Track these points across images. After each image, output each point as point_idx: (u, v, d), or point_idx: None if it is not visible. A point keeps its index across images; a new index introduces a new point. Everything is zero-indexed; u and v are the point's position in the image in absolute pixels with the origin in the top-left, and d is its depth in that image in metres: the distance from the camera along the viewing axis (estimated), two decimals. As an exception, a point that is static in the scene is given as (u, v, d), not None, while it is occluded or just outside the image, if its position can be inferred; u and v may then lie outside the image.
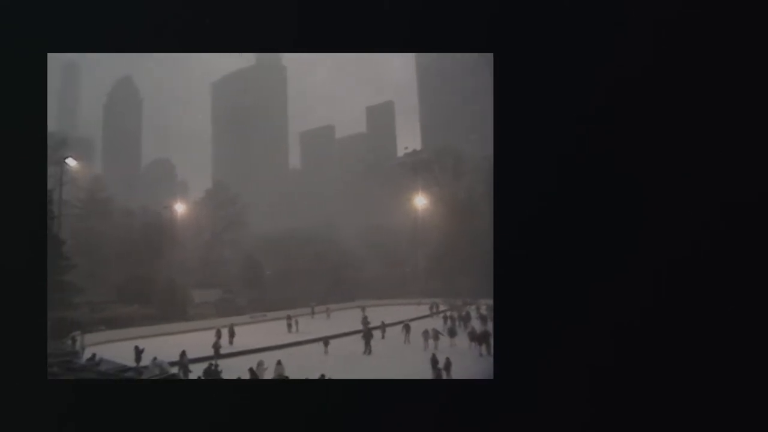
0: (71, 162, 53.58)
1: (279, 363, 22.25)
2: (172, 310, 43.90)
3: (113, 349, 29.57)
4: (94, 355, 25.52)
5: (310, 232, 69.12)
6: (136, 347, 26.41)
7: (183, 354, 24.59)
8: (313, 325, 40.54)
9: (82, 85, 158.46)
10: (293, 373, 21.13)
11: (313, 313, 47.02)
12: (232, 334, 33.27)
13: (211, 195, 67.59)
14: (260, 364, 22.12)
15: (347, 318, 42.16)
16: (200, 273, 58.95)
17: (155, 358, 23.50)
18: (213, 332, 32.25)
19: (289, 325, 39.04)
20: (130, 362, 24.71)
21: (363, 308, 45.10)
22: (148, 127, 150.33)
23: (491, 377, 8.27)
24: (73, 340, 30.68)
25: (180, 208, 64.08)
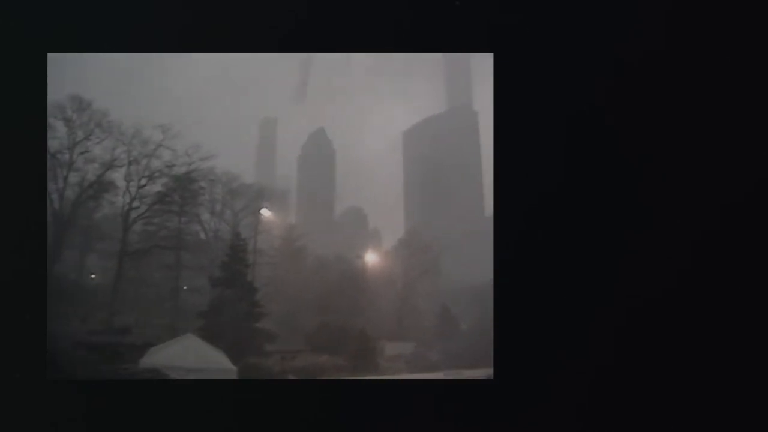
0: (265, 212, 58.28)
1: None
2: (362, 362, 44.87)
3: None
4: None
5: (509, 283, 67.12)
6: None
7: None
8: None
9: (278, 138, 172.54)
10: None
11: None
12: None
13: (403, 243, 68.64)
14: None
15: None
16: (393, 324, 59.46)
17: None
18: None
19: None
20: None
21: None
22: (341, 177, 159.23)
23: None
24: (264, 388, 32.22)
25: (372, 257, 66.29)
